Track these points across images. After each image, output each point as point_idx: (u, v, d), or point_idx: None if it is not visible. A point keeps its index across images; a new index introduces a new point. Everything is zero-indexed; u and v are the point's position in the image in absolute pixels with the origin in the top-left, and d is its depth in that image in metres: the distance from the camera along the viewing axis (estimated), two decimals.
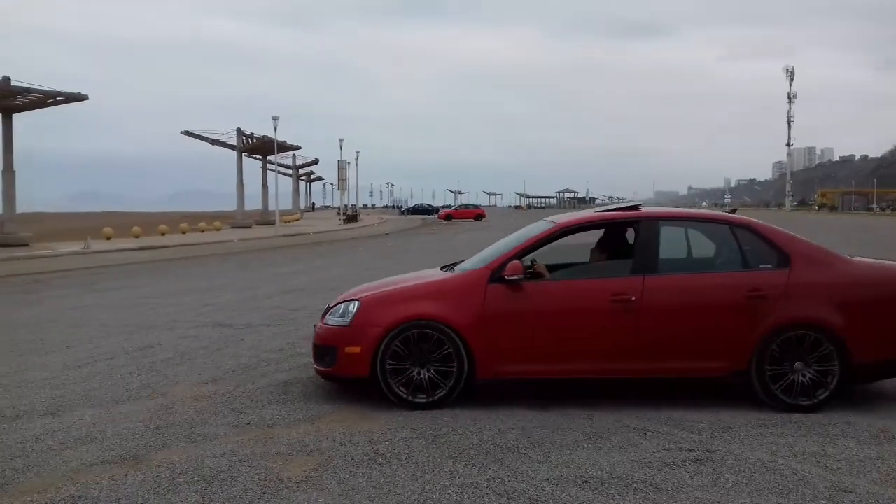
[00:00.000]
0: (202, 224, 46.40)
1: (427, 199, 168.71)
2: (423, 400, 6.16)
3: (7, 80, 30.04)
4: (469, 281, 6.46)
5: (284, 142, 63.49)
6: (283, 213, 60.31)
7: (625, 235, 7.06)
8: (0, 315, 11.86)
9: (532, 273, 6.52)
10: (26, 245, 30.49)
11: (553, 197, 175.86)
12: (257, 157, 68.71)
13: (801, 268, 6.30)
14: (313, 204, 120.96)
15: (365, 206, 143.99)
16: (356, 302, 6.55)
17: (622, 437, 5.47)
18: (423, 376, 6.18)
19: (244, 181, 59.97)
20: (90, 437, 5.47)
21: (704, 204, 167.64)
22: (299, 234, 42.65)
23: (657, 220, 6.64)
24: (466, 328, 6.17)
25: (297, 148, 75.14)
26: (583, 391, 6.49)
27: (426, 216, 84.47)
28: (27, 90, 31.13)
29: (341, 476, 4.69)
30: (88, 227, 43.41)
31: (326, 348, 6.50)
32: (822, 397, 6.09)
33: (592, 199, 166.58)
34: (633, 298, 6.19)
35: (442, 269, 7.31)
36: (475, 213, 69.93)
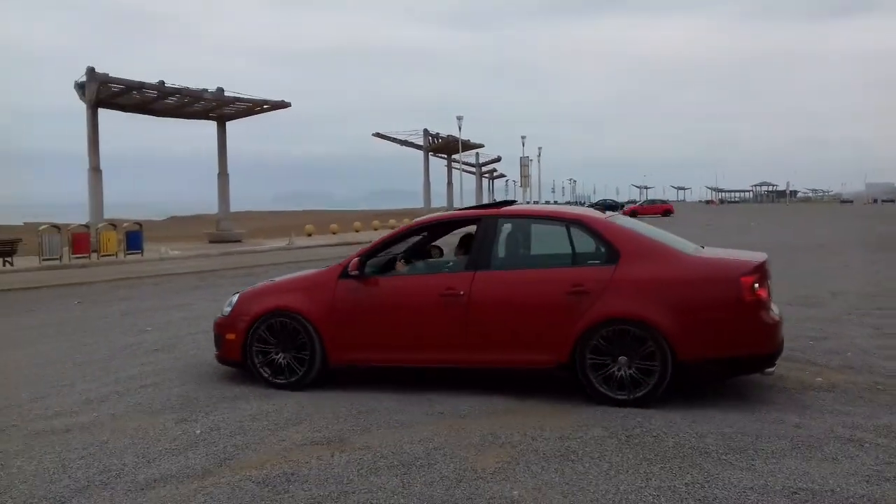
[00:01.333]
0: (392, 221, 48.50)
1: (611, 195, 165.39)
2: (283, 381, 6.85)
3: (221, 91, 33.02)
4: (324, 276, 7.06)
5: (468, 141, 64.78)
6: None
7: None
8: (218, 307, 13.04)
9: (380, 268, 7.04)
10: (239, 241, 33.39)
11: (748, 191, 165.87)
12: (442, 156, 70.64)
13: (629, 264, 6.25)
14: (495, 201, 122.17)
15: (547, 202, 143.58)
16: (237, 295, 7.44)
17: (835, 447, 5.05)
18: (284, 360, 6.86)
19: (430, 180, 61.92)
20: (299, 419, 5.89)
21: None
22: None
23: (496, 218, 6.82)
24: (318, 319, 6.78)
25: (481, 146, 76.41)
26: (791, 396, 6.09)
27: (611, 212, 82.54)
28: (238, 100, 34.05)
29: (534, 470, 4.72)
30: (292, 225, 46.78)
31: (216, 336, 7.34)
32: (642, 393, 6.02)
33: (794, 193, 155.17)
34: (462, 293, 6.47)
35: None
36: (662, 209, 67.48)
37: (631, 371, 6.08)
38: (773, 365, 6.31)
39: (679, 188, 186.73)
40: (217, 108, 34.49)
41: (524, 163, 62.07)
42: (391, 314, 6.74)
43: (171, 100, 32.28)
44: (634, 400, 6.03)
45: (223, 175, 36.29)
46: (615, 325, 6.11)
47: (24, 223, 56.52)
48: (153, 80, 29.93)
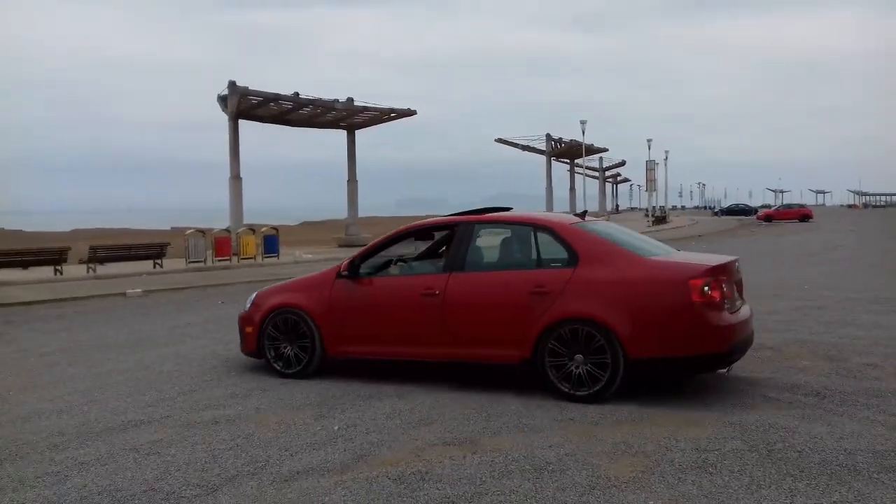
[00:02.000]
0: None
1: (743, 199, 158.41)
2: (291, 371, 7.61)
3: (350, 101, 34.15)
4: (324, 277, 7.78)
5: (591, 145, 63.92)
6: (590, 214, 60.62)
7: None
8: None
9: (368, 269, 7.59)
10: (365, 245, 34.32)
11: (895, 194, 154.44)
12: (565, 160, 69.98)
13: (587, 266, 6.59)
14: (616, 206, 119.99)
15: (674, 208, 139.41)
16: (255, 293, 8.24)
17: None
18: (291, 352, 7.63)
19: (552, 185, 61.50)
20: (431, 420, 6.01)
21: None
22: None
23: (472, 224, 7.33)
24: (318, 315, 7.55)
25: (604, 150, 75.17)
26: None
27: (743, 217, 79.17)
28: (366, 109, 35.09)
29: (669, 481, 4.61)
30: None
31: (239, 329, 8.17)
32: (595, 389, 6.34)
33: None
34: (438, 292, 7.02)
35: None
36: (800, 214, 63.88)
37: (586, 368, 6.41)
38: (726, 365, 6.62)
39: (818, 192, 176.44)
40: (347, 117, 35.68)
41: (650, 166, 60.58)
42: (379, 311, 7.38)
43: (304, 110, 33.69)
44: (587, 396, 6.37)
45: (352, 182, 37.47)
46: (571, 324, 6.47)
47: (171, 228, 60.50)
48: (285, 91, 31.34)
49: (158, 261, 23.26)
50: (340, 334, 7.49)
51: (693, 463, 4.90)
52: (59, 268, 20.91)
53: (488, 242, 7.49)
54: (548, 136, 60.56)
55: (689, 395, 6.52)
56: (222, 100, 31.01)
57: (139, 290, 17.06)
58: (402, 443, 5.46)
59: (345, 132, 37.26)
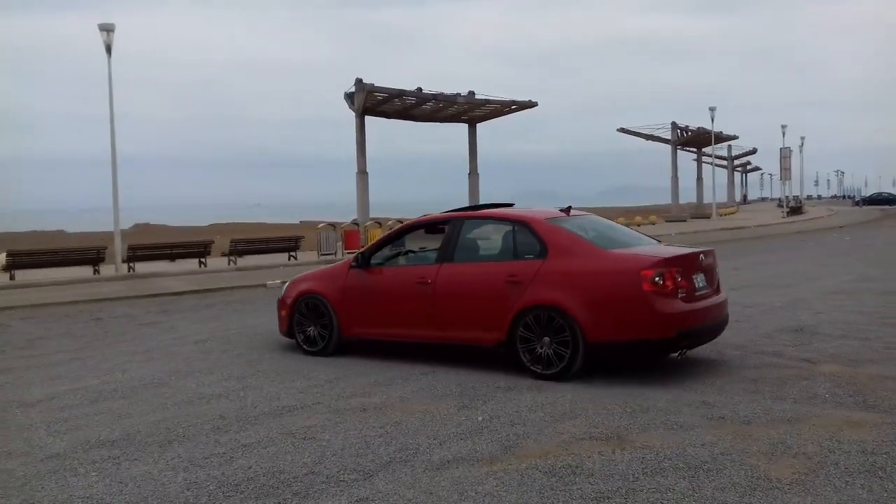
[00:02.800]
0: (638, 218, 47.34)
1: (886, 188, 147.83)
2: (314, 349, 8.60)
3: (472, 94, 34.29)
4: (341, 266, 8.78)
5: (720, 132, 61.42)
6: (719, 205, 58.32)
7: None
8: None
9: (368, 260, 8.43)
10: None
11: None
12: (691, 149, 67.62)
13: (555, 258, 7.26)
14: (745, 196, 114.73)
15: (809, 197, 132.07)
16: (288, 281, 9.30)
17: None
18: (314, 332, 8.61)
19: (678, 175, 59.55)
20: (574, 414, 5.98)
21: None
22: (738, 227, 40.86)
23: (461, 220, 8.08)
24: (335, 301, 8.50)
25: (733, 138, 72.11)
26: None
27: (887, 207, 74.00)
28: (487, 102, 35.15)
29: (836, 484, 4.39)
30: None
31: (277, 313, 9.21)
32: (557, 369, 7.01)
33: None
34: (430, 281, 7.84)
35: None
36: None
37: (552, 350, 7.07)
38: (675, 350, 7.15)
39: None
40: (468, 110, 35.89)
41: (784, 154, 57.63)
42: (383, 298, 8.26)
43: (427, 105, 34.15)
44: (552, 375, 7.04)
45: (473, 174, 37.70)
46: (539, 310, 7.15)
47: (300, 221, 62.94)
48: (407, 87, 31.86)
49: (293, 253, 24.24)
50: (353, 318, 8.43)
51: (861, 466, 4.65)
52: (203, 260, 22.20)
53: (476, 236, 8.23)
54: (673, 124, 58.66)
55: (846, 395, 6.18)
56: (349, 97, 31.89)
57: (278, 280, 17.85)
58: (547, 436, 5.46)
59: (466, 125, 37.51)
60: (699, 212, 58.15)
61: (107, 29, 20.65)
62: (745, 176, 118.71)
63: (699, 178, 67.09)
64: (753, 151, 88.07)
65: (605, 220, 8.51)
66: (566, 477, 4.64)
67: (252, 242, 24.69)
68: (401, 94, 31.69)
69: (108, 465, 5.16)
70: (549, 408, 6.17)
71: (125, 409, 6.62)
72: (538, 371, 7.11)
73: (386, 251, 8.59)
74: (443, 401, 6.51)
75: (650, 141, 60.57)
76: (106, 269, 20.48)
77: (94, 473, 4.99)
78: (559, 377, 6.98)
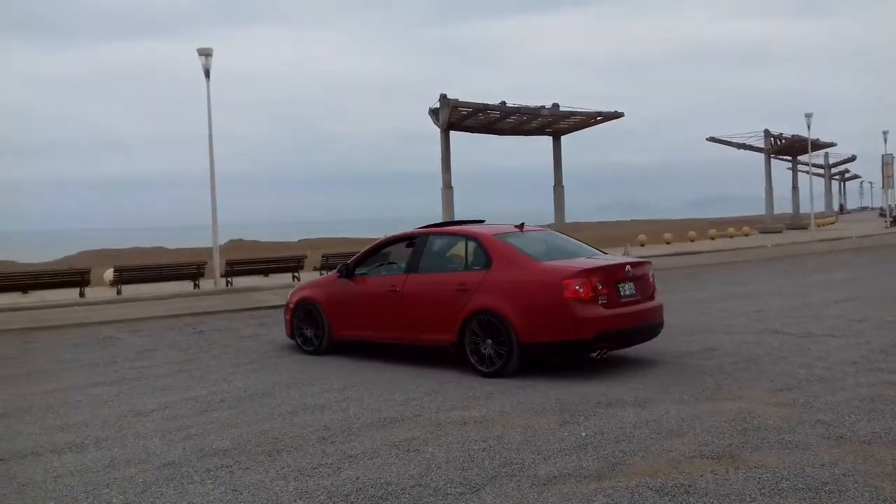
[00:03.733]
0: (730, 230, 45.96)
1: None
2: (309, 348, 9.87)
3: (556, 106, 34.12)
4: (331, 277, 10.25)
5: (816, 140, 59.03)
6: (816, 216, 56.02)
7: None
8: None
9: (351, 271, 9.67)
10: None
11: None
12: (785, 157, 65.32)
13: (497, 269, 8.22)
14: (842, 205, 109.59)
15: None
16: (292, 290, 10.75)
17: None
18: (310, 334, 9.87)
19: (772, 184, 57.55)
20: (681, 431, 5.82)
21: None
22: (837, 238, 39.13)
23: (427, 236, 9.17)
24: (325, 306, 9.74)
25: (831, 145, 69.31)
26: None
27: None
28: (572, 114, 34.91)
29: None
30: (619, 235, 46.67)
31: (283, 318, 10.55)
32: (496, 367, 7.93)
33: None
34: (398, 289, 8.91)
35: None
36: None
37: (493, 350, 8.01)
38: (594, 351, 7.89)
39: None
40: (553, 123, 35.74)
41: (886, 161, 55.02)
42: (362, 304, 9.39)
43: (511, 119, 34.20)
44: (492, 372, 7.96)
45: (559, 186, 37.44)
46: (482, 315, 8.13)
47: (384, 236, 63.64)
48: (489, 101, 31.93)
49: None
50: (340, 322, 9.61)
51: None
52: (296, 274, 22.77)
53: (438, 249, 9.11)
54: (766, 132, 56.71)
55: None
56: (433, 112, 32.25)
57: None
58: (655, 453, 5.33)
59: (550, 138, 37.32)
60: (795, 222, 55.94)
61: (205, 53, 21.54)
62: (843, 184, 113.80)
63: (794, 188, 64.58)
64: (852, 159, 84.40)
65: (560, 235, 9.68)
66: (679, 496, 4.51)
67: (344, 257, 25.16)
68: (485, 108, 31.83)
69: (222, 472, 5.33)
70: (653, 424, 6.03)
71: (233, 418, 6.83)
72: (482, 370, 8.05)
73: (367, 263, 9.71)
74: (543, 416, 6.45)
75: (742, 150, 58.75)
76: (205, 284, 21.26)
77: (209, 481, 5.17)
78: (498, 374, 7.91)
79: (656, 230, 52.12)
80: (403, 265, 9.27)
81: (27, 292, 20.40)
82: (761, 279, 18.77)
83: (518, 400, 7.03)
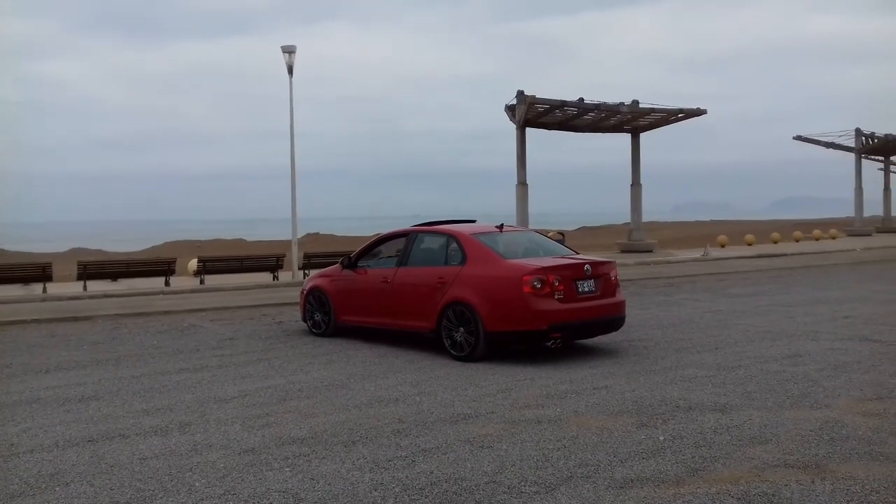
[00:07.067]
0: (816, 232, 44.25)
1: None
2: (318, 331, 11.11)
3: (636, 103, 33.42)
4: (337, 267, 11.18)
5: None
6: None
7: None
8: (650, 315, 13.17)
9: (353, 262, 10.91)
10: (650, 251, 33.45)
11: None
12: (877, 158, 62.42)
13: (471, 265, 9.26)
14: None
15: None
16: (307, 279, 12.49)
17: None
18: (319, 318, 11.13)
19: (862, 185, 55.11)
20: (764, 438, 5.63)
21: None
22: None
23: (416, 233, 10.26)
24: (331, 294, 10.99)
25: None
26: None
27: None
28: (652, 111, 34.13)
29: None
30: (697, 235, 45.53)
31: (299, 304, 11.92)
32: (466, 353, 8.95)
33: None
34: (389, 281, 10.07)
35: None
36: None
37: (463, 337, 8.96)
38: (548, 340, 8.70)
39: None
40: (631, 120, 35.02)
41: None
42: (360, 293, 10.59)
43: (588, 115, 33.66)
44: (464, 357, 8.90)
45: (636, 185, 36.68)
46: (455, 306, 9.11)
47: None
48: (566, 97, 31.53)
49: None
50: (343, 309, 10.83)
51: None
52: None
53: (424, 246, 10.02)
54: (857, 130, 54.27)
55: None
56: (510, 109, 32.04)
57: None
58: (737, 460, 5.18)
59: (629, 135, 36.63)
60: (886, 225, 53.41)
61: (289, 51, 22.01)
62: None
63: (886, 189, 61.64)
64: None
65: (537, 235, 10.61)
66: None
67: None
68: (562, 104, 31.44)
69: (300, 461, 5.43)
70: (735, 430, 5.85)
71: (310, 408, 6.96)
72: (454, 353, 9.02)
73: (367, 256, 10.85)
74: (619, 417, 6.35)
75: (830, 149, 56.42)
76: (283, 276, 21.75)
77: (287, 469, 5.28)
78: (467, 358, 8.85)
79: (738, 231, 50.62)
80: (396, 259, 10.31)
81: (116, 280, 21.30)
82: (849, 284, 17.99)
83: (593, 401, 6.94)
